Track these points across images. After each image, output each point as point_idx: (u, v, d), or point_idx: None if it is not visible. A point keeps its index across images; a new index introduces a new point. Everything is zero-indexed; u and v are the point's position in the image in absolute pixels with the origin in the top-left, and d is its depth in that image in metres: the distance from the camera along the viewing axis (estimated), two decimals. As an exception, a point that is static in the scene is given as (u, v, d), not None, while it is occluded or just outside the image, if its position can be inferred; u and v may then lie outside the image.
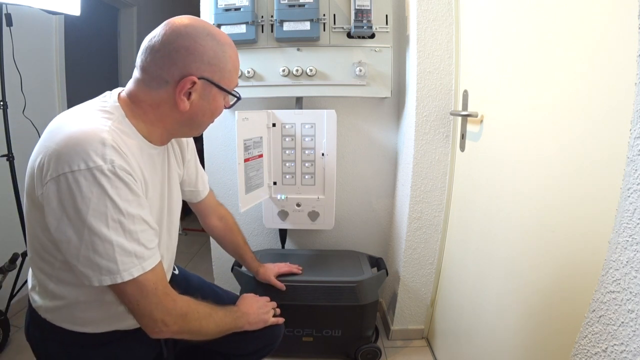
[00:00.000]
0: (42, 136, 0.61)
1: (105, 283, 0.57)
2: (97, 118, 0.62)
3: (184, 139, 0.88)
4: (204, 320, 0.72)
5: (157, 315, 0.62)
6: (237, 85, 0.74)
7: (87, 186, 0.54)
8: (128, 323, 0.73)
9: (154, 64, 0.64)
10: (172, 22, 0.66)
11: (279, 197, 1.47)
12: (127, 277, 0.58)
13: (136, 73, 0.67)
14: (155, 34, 0.65)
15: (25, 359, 1.39)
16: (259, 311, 0.92)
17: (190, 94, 0.66)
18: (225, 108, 0.74)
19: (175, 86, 0.64)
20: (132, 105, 0.67)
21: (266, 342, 0.99)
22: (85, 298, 0.66)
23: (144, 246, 0.61)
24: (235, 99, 0.73)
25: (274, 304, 1.00)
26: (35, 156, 0.59)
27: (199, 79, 0.65)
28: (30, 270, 0.70)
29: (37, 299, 0.69)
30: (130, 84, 0.68)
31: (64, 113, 0.64)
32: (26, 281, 1.50)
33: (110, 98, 0.68)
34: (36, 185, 0.58)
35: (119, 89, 0.71)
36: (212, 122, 0.75)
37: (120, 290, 0.59)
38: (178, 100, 0.65)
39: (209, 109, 0.70)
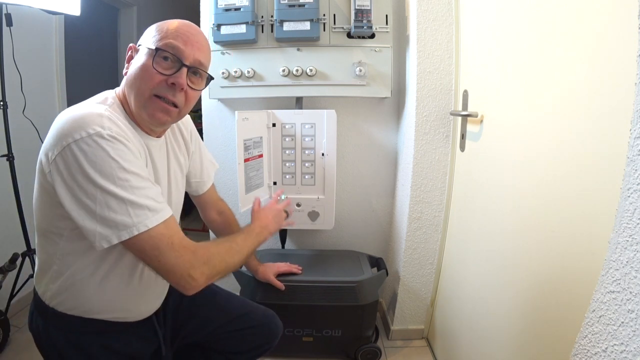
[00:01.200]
0: (49, 131, 0.64)
1: (123, 238, 0.60)
2: (94, 104, 0.67)
3: (185, 130, 0.90)
4: (227, 256, 0.73)
5: (181, 271, 0.63)
6: (173, 46, 0.68)
7: (91, 151, 0.58)
8: (129, 314, 0.75)
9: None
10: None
11: (253, 248, 1.46)
12: (142, 228, 0.60)
13: None
14: None
15: (25, 359, 1.39)
16: (275, 219, 0.95)
17: (130, 62, 0.71)
18: (172, 81, 0.68)
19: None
20: (123, 99, 0.71)
21: (264, 339, 1.00)
22: (88, 273, 0.68)
23: (154, 199, 0.63)
24: (154, 52, 0.67)
25: (287, 202, 1.06)
26: (45, 145, 0.63)
27: (137, 46, 0.71)
28: (36, 260, 0.73)
29: (42, 285, 0.71)
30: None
31: (66, 109, 0.67)
32: (26, 281, 1.51)
33: (108, 93, 0.72)
34: (44, 167, 0.61)
35: (113, 90, 0.75)
36: (152, 93, 0.68)
37: (138, 248, 0.61)
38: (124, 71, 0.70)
39: (137, 66, 0.68)
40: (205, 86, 0.76)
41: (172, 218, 0.66)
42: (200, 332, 0.94)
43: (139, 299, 0.77)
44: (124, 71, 0.71)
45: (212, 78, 0.77)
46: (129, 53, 0.72)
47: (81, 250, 0.67)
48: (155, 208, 0.63)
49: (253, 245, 0.83)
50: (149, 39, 0.70)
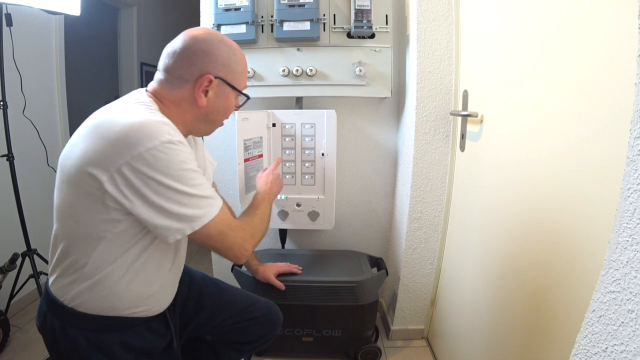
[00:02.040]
0: (86, 131, 0.65)
1: (196, 228, 0.68)
2: (143, 109, 0.69)
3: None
4: (262, 226, 0.87)
5: (239, 246, 0.76)
6: (246, 87, 0.82)
7: (164, 157, 0.63)
8: (150, 308, 0.78)
9: (175, 66, 0.73)
10: (190, 31, 0.75)
11: (279, 197, 1.47)
12: (210, 216, 0.69)
13: (159, 75, 0.76)
14: (175, 42, 0.74)
15: (25, 359, 1.39)
16: (276, 183, 1.09)
17: (207, 91, 0.75)
18: (235, 108, 0.82)
19: (194, 84, 0.73)
20: (159, 102, 0.74)
21: (267, 329, 1.05)
22: (122, 272, 0.71)
23: (211, 192, 0.72)
24: (245, 98, 0.82)
25: (279, 160, 1.24)
26: (87, 149, 0.63)
27: (215, 77, 0.74)
28: (53, 262, 0.73)
29: (62, 287, 0.71)
30: (153, 85, 0.76)
31: (101, 111, 0.70)
32: (26, 281, 1.51)
33: (141, 95, 0.74)
34: (98, 175, 0.62)
35: (142, 89, 0.77)
36: (223, 121, 0.82)
37: (206, 235, 0.70)
38: (197, 96, 0.74)
39: (222, 106, 0.78)
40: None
41: (223, 206, 0.74)
42: (208, 325, 0.97)
43: (162, 292, 0.80)
44: (200, 100, 0.74)
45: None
46: (206, 84, 0.73)
47: (120, 252, 0.69)
48: (214, 198, 0.72)
49: (269, 210, 0.94)
50: (230, 74, 0.76)
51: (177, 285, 0.87)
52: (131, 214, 0.66)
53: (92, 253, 0.68)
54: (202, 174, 0.71)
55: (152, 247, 0.73)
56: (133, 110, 0.68)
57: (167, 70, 0.74)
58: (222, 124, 0.83)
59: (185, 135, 0.79)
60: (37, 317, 0.76)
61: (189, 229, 0.67)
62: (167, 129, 0.65)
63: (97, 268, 0.69)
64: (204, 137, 0.95)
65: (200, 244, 0.72)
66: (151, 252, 0.73)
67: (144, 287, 0.75)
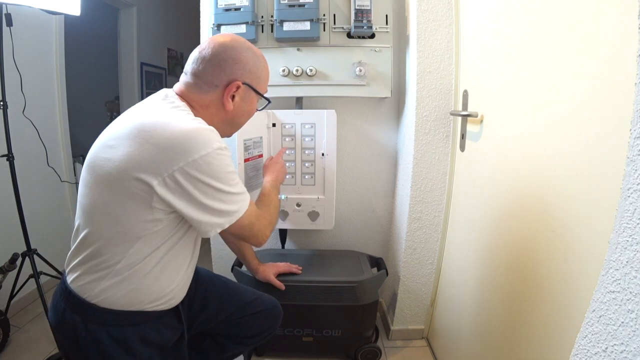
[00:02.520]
0: (129, 133, 0.68)
1: (234, 220, 0.75)
2: (185, 115, 0.73)
3: None
4: (275, 212, 0.96)
5: (262, 233, 0.85)
6: (267, 92, 0.88)
7: (217, 163, 0.69)
8: (168, 301, 0.80)
9: (206, 72, 0.77)
10: (218, 38, 0.79)
11: (279, 197, 1.47)
12: (244, 210, 0.76)
13: (187, 78, 0.79)
14: (204, 47, 0.78)
15: (25, 359, 1.40)
16: (281, 170, 1.17)
17: (234, 96, 0.79)
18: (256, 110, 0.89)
19: (223, 90, 0.78)
20: (190, 106, 0.78)
21: (270, 323, 1.09)
22: (151, 267, 0.74)
23: (243, 188, 0.78)
24: (267, 102, 0.88)
25: (283, 149, 1.35)
26: (134, 152, 0.66)
27: (243, 84, 0.79)
28: (75, 262, 0.73)
29: (85, 284, 0.72)
30: (180, 88, 0.79)
31: (141, 113, 0.73)
32: (26, 281, 1.51)
33: (174, 98, 0.77)
34: (148, 178, 0.66)
35: (170, 90, 0.80)
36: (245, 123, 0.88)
37: (239, 226, 0.77)
38: (225, 101, 0.79)
39: (246, 110, 0.84)
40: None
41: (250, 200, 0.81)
42: (214, 320, 1.00)
43: (182, 285, 0.83)
44: (227, 105, 0.79)
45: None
46: (234, 90, 0.78)
47: (152, 248, 0.72)
48: (246, 192, 0.78)
49: (278, 197, 1.03)
50: (258, 81, 0.82)
51: (191, 278, 0.89)
52: (174, 212, 0.70)
53: (127, 251, 0.70)
54: (236, 172, 0.77)
55: (180, 242, 0.77)
56: (178, 116, 0.71)
57: (197, 75, 0.77)
58: (242, 126, 0.89)
59: None
60: (52, 316, 0.77)
61: (227, 223, 0.74)
62: (216, 137, 0.70)
63: (129, 265, 0.71)
64: None
65: (232, 233, 0.79)
66: (178, 248, 0.77)
67: (168, 281, 0.78)
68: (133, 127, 0.68)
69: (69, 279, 0.74)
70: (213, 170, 0.68)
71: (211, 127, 0.72)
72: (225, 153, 0.71)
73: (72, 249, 0.75)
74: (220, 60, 0.76)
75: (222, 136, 0.86)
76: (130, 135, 0.67)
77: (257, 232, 0.83)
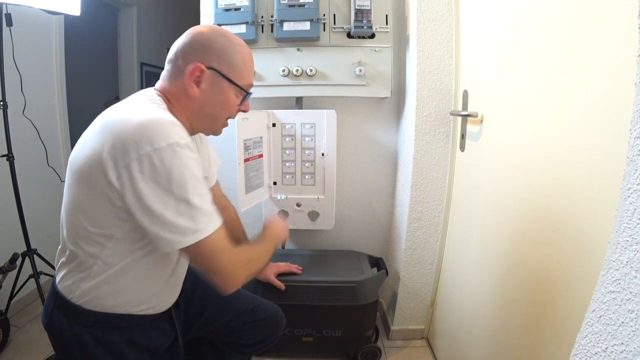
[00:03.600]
0: (97, 129, 0.65)
1: (188, 243, 0.63)
2: (154, 107, 0.68)
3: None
4: (259, 261, 0.80)
5: (230, 269, 0.68)
6: (251, 85, 0.79)
7: (169, 160, 0.60)
8: (157, 305, 0.78)
9: (174, 57, 0.73)
10: (196, 27, 0.76)
11: (279, 197, 1.47)
12: (206, 233, 0.64)
13: (164, 70, 0.76)
14: (181, 37, 0.75)
15: (25, 359, 1.39)
16: (284, 230, 1.01)
17: (200, 82, 0.72)
18: (242, 110, 0.80)
19: (186, 74, 0.72)
20: (166, 100, 0.74)
21: (271, 331, 1.04)
22: (130, 270, 0.70)
23: (211, 207, 0.67)
24: (245, 94, 0.78)
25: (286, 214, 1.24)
26: (98, 145, 0.62)
27: (207, 68, 0.72)
28: (61, 261, 0.73)
29: (69, 285, 0.71)
30: (159, 82, 0.76)
31: (112, 109, 0.69)
32: (26, 281, 1.50)
33: (152, 94, 0.74)
34: (107, 171, 0.61)
35: (151, 88, 0.77)
36: (226, 119, 0.80)
37: (197, 251, 0.65)
38: (188, 86, 0.72)
39: (218, 100, 0.75)
40: None
41: (222, 223, 0.69)
42: (211, 325, 0.97)
43: (168, 290, 0.80)
44: (190, 90, 0.72)
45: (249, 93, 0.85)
46: (198, 74, 0.72)
47: (129, 250, 0.69)
48: (214, 214, 0.67)
49: (271, 254, 0.87)
50: (226, 67, 0.73)
51: (181, 283, 0.87)
52: None
53: (102, 252, 0.68)
54: (206, 184, 0.68)
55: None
56: (144, 107, 0.67)
57: (168, 62, 0.75)
58: (225, 123, 0.80)
59: (191, 134, 0.79)
60: (43, 316, 0.76)
61: (178, 244, 0.63)
62: (176, 130, 0.63)
63: (106, 266, 0.69)
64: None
65: (192, 262, 0.68)
66: (161, 254, 0.72)
67: (151, 285, 0.75)
68: (101, 123, 0.66)
69: (57, 278, 0.73)
70: (166, 169, 0.60)
71: (175, 121, 0.65)
72: (184, 152, 0.62)
73: (58, 248, 0.74)
74: (187, 45, 0.73)
75: (206, 133, 0.83)
76: (97, 131, 0.64)
77: (222, 269, 0.68)
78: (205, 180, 0.69)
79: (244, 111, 0.81)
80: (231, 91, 0.76)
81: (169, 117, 0.65)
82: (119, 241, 0.68)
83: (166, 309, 0.82)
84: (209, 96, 0.74)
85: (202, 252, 0.65)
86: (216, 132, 0.81)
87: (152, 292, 0.76)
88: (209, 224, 0.65)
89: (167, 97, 0.74)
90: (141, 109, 0.66)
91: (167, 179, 0.61)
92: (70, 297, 0.71)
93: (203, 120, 0.77)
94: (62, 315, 0.72)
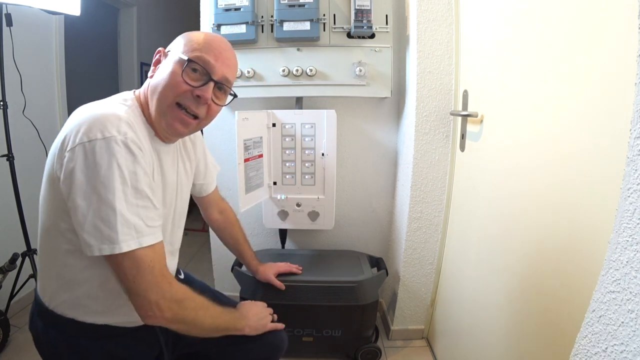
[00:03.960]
0: (65, 124, 0.64)
1: (104, 252, 0.58)
2: (116, 104, 0.68)
3: (193, 136, 0.90)
4: (200, 311, 0.71)
5: (151, 296, 0.62)
6: (201, 59, 0.68)
7: (100, 154, 0.57)
8: (130, 318, 0.73)
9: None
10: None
11: (279, 197, 1.47)
12: (125, 248, 0.59)
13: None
14: None
15: (25, 359, 1.39)
16: (258, 315, 0.91)
17: (158, 65, 0.72)
18: (197, 94, 0.68)
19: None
20: (139, 101, 0.72)
21: (268, 354, 0.96)
22: (89, 276, 0.67)
23: (144, 222, 0.62)
24: (185, 61, 0.67)
25: (271, 310, 0.98)
26: (59, 138, 0.62)
27: (166, 51, 0.72)
28: (38, 260, 0.72)
29: (42, 286, 0.70)
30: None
31: (86, 105, 0.68)
32: (26, 281, 1.51)
33: (127, 94, 0.73)
34: (56, 161, 0.60)
35: (133, 90, 0.76)
36: (175, 100, 0.68)
37: (117, 264, 0.60)
38: (150, 74, 0.72)
39: (163, 76, 0.68)
40: (228, 103, 0.77)
41: (160, 244, 0.65)
42: (203, 341, 0.85)
43: None
44: (150, 74, 0.71)
45: (235, 95, 0.77)
46: (157, 56, 0.72)
47: (81, 256, 0.64)
48: (143, 231, 0.61)
49: (225, 324, 0.78)
50: (180, 47, 0.70)
51: None
52: None
53: (58, 250, 0.66)
54: (146, 197, 0.62)
55: None
56: (105, 104, 0.65)
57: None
58: (175, 110, 0.68)
59: (172, 137, 0.75)
60: (29, 317, 0.75)
61: (96, 250, 0.58)
62: (118, 125, 0.59)
63: (65, 267, 0.66)
64: (190, 137, 0.89)
65: (115, 275, 0.63)
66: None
67: (116, 298, 0.69)
68: (69, 118, 0.65)
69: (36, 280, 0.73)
70: (96, 162, 0.57)
71: (122, 116, 0.61)
72: (119, 150, 0.58)
73: None
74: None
75: (164, 129, 0.71)
76: (65, 125, 0.64)
77: (145, 290, 0.61)
78: (144, 190, 0.62)
79: (200, 96, 0.68)
80: (176, 64, 0.68)
81: (121, 112, 0.62)
82: (71, 240, 0.64)
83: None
84: (158, 74, 0.70)
85: (123, 267, 0.60)
86: (171, 126, 0.70)
87: (119, 306, 0.70)
88: (132, 240, 0.59)
89: (141, 98, 0.72)
90: (100, 105, 0.65)
91: (95, 174, 0.57)
92: (43, 300, 0.70)
93: (154, 107, 0.69)
94: (39, 318, 0.71)
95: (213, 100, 0.71)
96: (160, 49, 0.72)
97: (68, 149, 0.58)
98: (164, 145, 0.75)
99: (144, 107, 0.72)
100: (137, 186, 0.61)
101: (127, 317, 0.73)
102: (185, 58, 0.67)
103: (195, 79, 0.68)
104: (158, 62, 0.72)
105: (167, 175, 0.77)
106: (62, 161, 0.59)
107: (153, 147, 0.71)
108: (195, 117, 0.71)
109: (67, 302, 0.69)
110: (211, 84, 0.69)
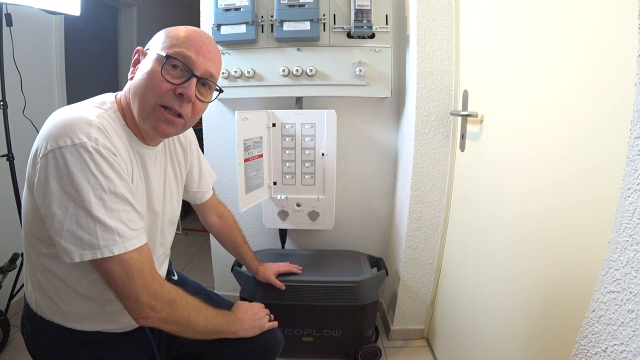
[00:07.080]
0: (41, 129, 0.62)
1: (86, 258, 0.57)
2: (90, 108, 0.65)
3: (185, 140, 0.88)
4: (193, 312, 0.70)
5: (143, 299, 0.61)
6: (181, 55, 0.65)
7: (72, 161, 0.56)
8: (116, 325, 0.72)
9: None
10: None
11: (279, 197, 1.47)
12: (107, 254, 0.58)
13: None
14: None
15: (25, 359, 1.39)
16: (254, 317, 0.90)
17: (137, 65, 0.69)
18: (179, 91, 0.65)
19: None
20: (124, 104, 0.70)
21: (263, 355, 0.94)
22: (70, 282, 0.66)
23: (127, 226, 0.61)
24: (164, 57, 0.64)
25: (268, 310, 0.97)
26: (35, 143, 0.61)
27: (145, 50, 0.69)
28: (24, 263, 0.71)
29: (29, 292, 0.70)
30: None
31: (61, 108, 0.66)
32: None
33: (108, 97, 0.71)
34: (31, 168, 0.60)
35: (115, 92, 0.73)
36: (157, 100, 0.65)
37: (105, 269, 0.59)
38: (130, 76, 0.69)
39: (143, 75, 0.66)
40: (214, 99, 0.74)
41: (145, 246, 0.64)
42: (197, 342, 0.89)
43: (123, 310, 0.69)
44: (129, 75, 0.69)
45: (221, 91, 0.74)
46: (136, 56, 0.69)
47: (59, 262, 0.63)
48: (126, 235, 0.60)
49: (219, 326, 0.77)
50: (159, 44, 0.67)
51: None
52: None
53: (38, 256, 0.65)
54: (125, 201, 0.61)
55: None
56: (78, 108, 0.63)
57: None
58: (158, 109, 0.65)
59: (156, 139, 0.73)
60: (20, 321, 0.75)
61: (77, 256, 0.57)
62: (89, 131, 0.57)
63: (46, 274, 0.65)
64: (182, 142, 0.87)
65: (104, 280, 0.62)
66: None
67: (100, 305, 0.69)
68: (45, 122, 0.63)
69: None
70: (68, 170, 0.55)
71: (93, 121, 0.59)
72: (89, 156, 0.56)
73: None
74: None
75: (148, 130, 0.68)
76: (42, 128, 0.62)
77: (137, 293, 0.60)
78: (122, 194, 0.61)
79: (182, 94, 0.65)
80: (155, 62, 0.65)
81: (92, 117, 0.60)
82: (50, 246, 0.63)
83: (136, 327, 0.76)
84: (138, 74, 0.67)
85: (112, 272, 0.59)
86: (156, 128, 0.67)
87: (103, 313, 0.69)
88: (116, 245, 0.59)
89: (122, 102, 0.69)
90: (73, 109, 0.62)
91: (69, 181, 0.56)
92: (31, 305, 0.69)
93: (136, 110, 0.66)
94: (28, 322, 0.70)
95: (197, 97, 0.68)
96: (138, 48, 0.69)
97: (40, 156, 0.57)
98: (148, 148, 0.73)
99: (124, 110, 0.69)
100: (115, 191, 0.60)
101: (114, 323, 0.72)
102: (164, 54, 0.64)
103: (176, 76, 0.65)
104: (137, 62, 0.69)
105: (153, 179, 0.75)
106: (36, 168, 0.57)
107: (135, 151, 0.69)
108: (180, 116, 0.68)
109: (52, 309, 0.68)
110: (194, 80, 0.66)
